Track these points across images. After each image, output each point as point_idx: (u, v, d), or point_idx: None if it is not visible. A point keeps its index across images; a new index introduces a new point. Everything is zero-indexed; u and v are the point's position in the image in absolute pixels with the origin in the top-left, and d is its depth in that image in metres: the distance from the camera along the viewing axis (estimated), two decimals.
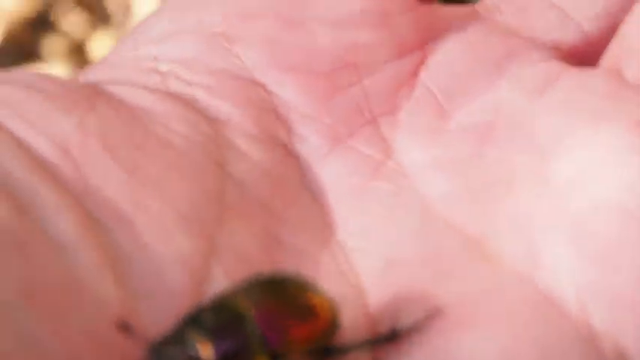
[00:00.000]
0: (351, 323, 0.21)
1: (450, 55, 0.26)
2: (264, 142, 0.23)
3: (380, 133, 0.24)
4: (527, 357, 0.20)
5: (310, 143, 0.24)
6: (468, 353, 0.20)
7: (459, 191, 0.23)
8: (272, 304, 0.20)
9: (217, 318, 0.19)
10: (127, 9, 0.70)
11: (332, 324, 0.21)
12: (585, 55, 0.26)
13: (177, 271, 0.20)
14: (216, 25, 0.25)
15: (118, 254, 0.20)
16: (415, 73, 0.25)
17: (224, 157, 0.22)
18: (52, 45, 0.69)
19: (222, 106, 0.23)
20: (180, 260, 0.20)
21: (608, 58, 0.25)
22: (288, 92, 0.24)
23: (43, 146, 0.20)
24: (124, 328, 0.18)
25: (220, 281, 0.21)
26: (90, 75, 0.24)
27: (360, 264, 0.22)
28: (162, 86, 0.23)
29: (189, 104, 0.23)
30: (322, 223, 0.23)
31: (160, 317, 0.19)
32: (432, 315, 0.20)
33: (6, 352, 0.17)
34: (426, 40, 0.26)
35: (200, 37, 0.25)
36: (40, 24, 0.70)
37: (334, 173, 0.23)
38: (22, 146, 0.20)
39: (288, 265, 0.22)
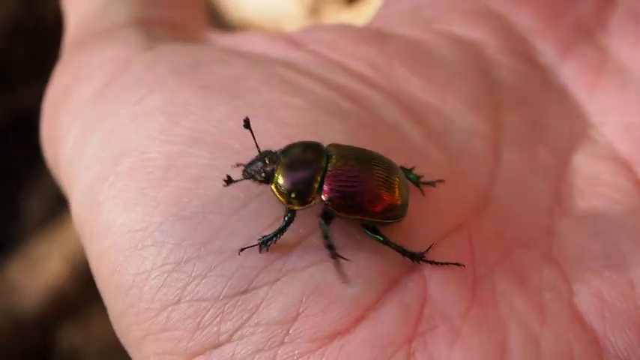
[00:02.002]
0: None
1: None
2: (513, 56, 0.31)
3: (596, 41, 0.31)
4: None
5: (546, 54, 0.31)
6: None
7: None
8: (348, 170, 0.24)
9: (304, 157, 0.25)
10: None
11: (385, 214, 0.25)
12: None
13: (477, 139, 0.28)
14: None
15: (432, 129, 0.28)
16: None
17: (487, 68, 0.30)
18: None
19: (478, 35, 0.31)
20: (476, 133, 0.28)
21: None
22: (524, 20, 0.32)
23: (357, 65, 0.28)
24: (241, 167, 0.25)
25: (510, 152, 0.28)
26: (373, 24, 0.33)
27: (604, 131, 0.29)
28: (428, 27, 0.31)
29: (452, 36, 0.31)
30: (570, 107, 0.30)
31: None
32: None
33: None
34: None
35: None
36: None
37: (570, 73, 0.31)
38: (342, 66, 0.28)
39: (551, 139, 0.29)
